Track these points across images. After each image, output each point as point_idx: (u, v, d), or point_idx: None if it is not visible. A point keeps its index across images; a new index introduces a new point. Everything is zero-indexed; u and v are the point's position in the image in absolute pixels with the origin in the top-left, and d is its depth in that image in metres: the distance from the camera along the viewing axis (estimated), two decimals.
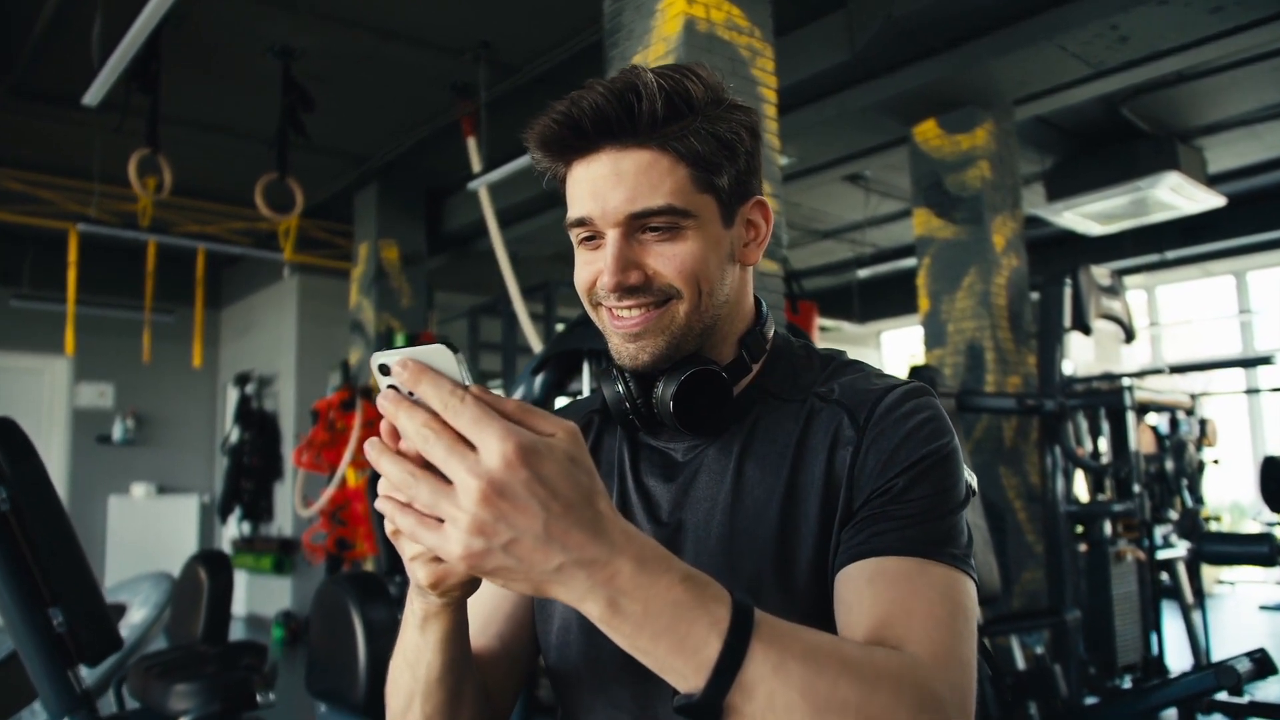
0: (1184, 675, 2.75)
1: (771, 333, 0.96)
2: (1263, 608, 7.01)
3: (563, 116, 0.83)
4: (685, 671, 0.60)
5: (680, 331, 0.86)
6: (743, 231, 0.91)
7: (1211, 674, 2.60)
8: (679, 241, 0.85)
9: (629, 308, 0.86)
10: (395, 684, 0.83)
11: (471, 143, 5.12)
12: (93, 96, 3.81)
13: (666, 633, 0.60)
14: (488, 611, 0.95)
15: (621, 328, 0.87)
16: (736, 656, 0.60)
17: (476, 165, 5.08)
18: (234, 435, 7.87)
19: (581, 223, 0.86)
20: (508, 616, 0.95)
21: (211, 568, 2.33)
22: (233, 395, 8.30)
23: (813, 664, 0.62)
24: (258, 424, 7.88)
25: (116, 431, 8.32)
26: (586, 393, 3.29)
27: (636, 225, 0.84)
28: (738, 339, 0.93)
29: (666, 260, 0.84)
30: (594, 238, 0.87)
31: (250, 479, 7.72)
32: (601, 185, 0.84)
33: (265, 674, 1.90)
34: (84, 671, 2.01)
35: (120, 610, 2.86)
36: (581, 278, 0.89)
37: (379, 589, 1.66)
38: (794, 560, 0.82)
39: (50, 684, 1.70)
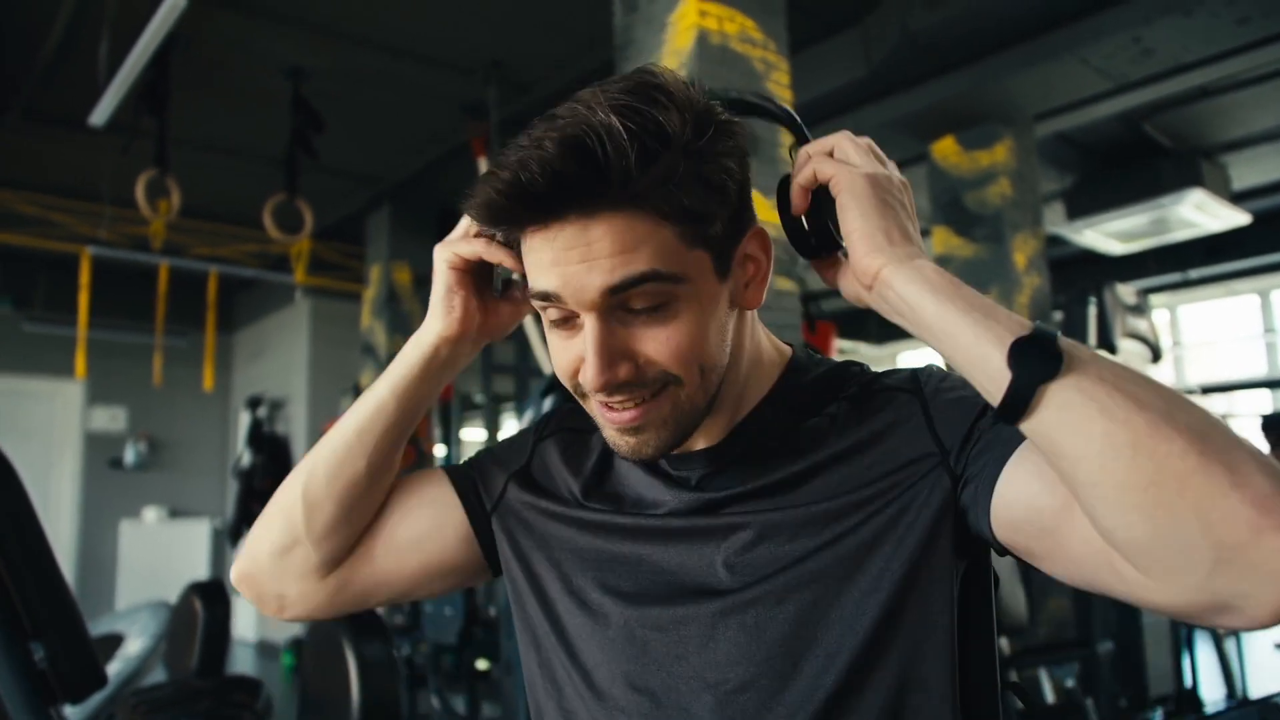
0: (1222, 711, 2.62)
1: (778, 376, 0.85)
2: None
3: (509, 186, 0.66)
4: (1008, 326, 0.65)
5: (685, 417, 0.75)
6: (740, 272, 0.77)
7: (1255, 711, 2.44)
8: (670, 319, 0.71)
9: (621, 402, 0.73)
10: (334, 431, 0.92)
11: (482, 163, 5.07)
12: (99, 116, 3.78)
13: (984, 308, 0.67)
14: (426, 528, 0.93)
15: (617, 422, 0.74)
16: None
17: None
18: (245, 459, 7.81)
19: (548, 298, 0.71)
20: (445, 546, 0.92)
21: (207, 598, 2.25)
22: (245, 419, 8.25)
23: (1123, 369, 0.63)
24: (269, 448, 7.81)
25: (129, 455, 8.28)
26: None
27: (617, 303, 0.70)
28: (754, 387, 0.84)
29: (659, 344, 0.71)
30: (568, 320, 0.73)
31: (261, 503, 7.57)
32: (569, 259, 0.69)
33: (257, 711, 1.82)
34: (71, 710, 1.93)
35: (117, 640, 2.78)
36: (561, 363, 0.75)
37: (375, 625, 1.57)
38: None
39: None
